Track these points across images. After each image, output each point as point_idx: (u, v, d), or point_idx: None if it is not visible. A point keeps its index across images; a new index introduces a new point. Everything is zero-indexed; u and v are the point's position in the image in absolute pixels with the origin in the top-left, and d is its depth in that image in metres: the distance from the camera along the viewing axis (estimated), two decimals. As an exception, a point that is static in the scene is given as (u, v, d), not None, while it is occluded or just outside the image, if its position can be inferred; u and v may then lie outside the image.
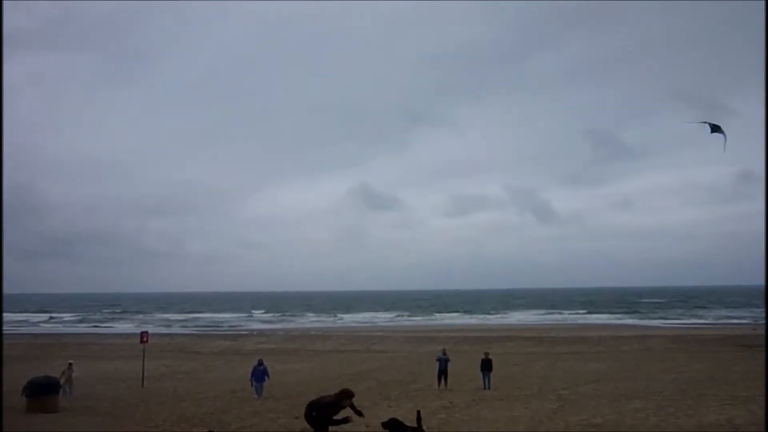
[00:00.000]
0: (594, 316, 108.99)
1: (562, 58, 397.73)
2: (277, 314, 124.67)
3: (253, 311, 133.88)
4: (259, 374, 24.72)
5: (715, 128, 18.32)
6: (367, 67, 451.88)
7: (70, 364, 23.09)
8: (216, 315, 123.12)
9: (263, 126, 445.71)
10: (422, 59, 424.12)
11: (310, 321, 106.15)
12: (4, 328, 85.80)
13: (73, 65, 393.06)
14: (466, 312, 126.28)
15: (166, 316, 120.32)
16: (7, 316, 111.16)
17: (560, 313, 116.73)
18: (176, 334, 71.84)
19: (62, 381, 22.50)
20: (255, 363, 25.76)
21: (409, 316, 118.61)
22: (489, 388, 26.43)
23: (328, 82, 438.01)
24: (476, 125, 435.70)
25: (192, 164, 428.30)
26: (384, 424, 10.74)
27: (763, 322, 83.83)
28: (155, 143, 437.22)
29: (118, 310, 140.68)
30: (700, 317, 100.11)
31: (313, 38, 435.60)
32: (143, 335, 30.50)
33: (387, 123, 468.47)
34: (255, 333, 73.81)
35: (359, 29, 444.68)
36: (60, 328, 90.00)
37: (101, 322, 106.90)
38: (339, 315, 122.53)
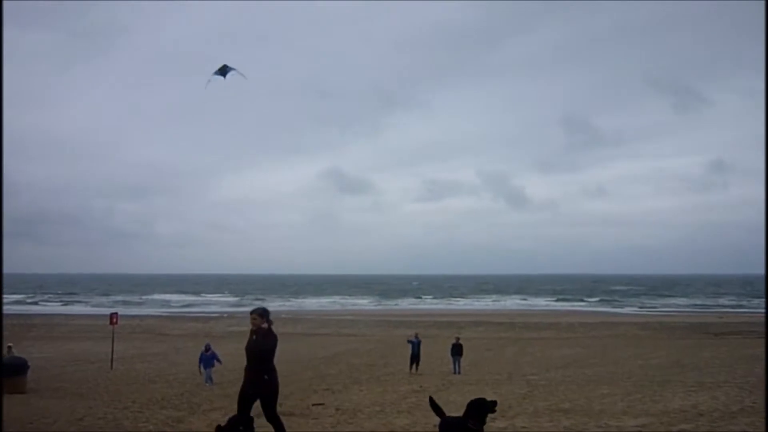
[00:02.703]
0: (565, 302, 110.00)
1: (537, 43, 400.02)
2: (247, 297, 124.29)
3: (213, 294, 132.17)
4: (207, 360, 23.64)
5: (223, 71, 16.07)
6: (340, 48, 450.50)
7: (9, 347, 22.67)
8: (184, 297, 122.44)
9: (234, 106, 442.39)
10: (395, 41, 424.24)
11: (281, 304, 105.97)
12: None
13: (38, 42, 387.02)
14: (437, 297, 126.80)
15: (115, 298, 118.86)
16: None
17: (531, 300, 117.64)
18: (146, 316, 71.44)
19: None
20: (202, 348, 24.28)
21: (380, 300, 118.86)
22: (459, 373, 26.56)
23: (300, 63, 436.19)
24: (450, 109, 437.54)
25: (161, 145, 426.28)
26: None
27: (729, 311, 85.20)
28: (124, 123, 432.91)
29: (80, 291, 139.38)
30: (669, 305, 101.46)
31: (286, 17, 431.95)
32: (113, 316, 30.17)
33: (359, 106, 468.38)
34: (226, 315, 73.61)
35: (332, 10, 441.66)
36: (26, 309, 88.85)
37: (67, 303, 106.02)
38: (310, 298, 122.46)
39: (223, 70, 15.83)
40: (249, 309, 10.89)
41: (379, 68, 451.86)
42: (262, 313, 10.07)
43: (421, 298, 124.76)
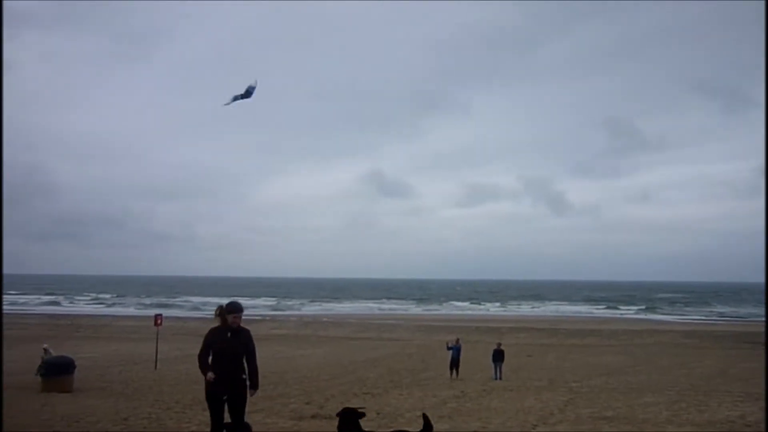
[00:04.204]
0: (607, 309, 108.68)
1: (579, 45, 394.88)
2: (286, 300, 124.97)
3: (252, 298, 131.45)
4: None
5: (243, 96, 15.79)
6: (378, 51, 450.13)
7: (46, 348, 23.02)
8: (224, 300, 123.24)
9: (274, 110, 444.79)
10: (435, 43, 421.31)
11: (322, 308, 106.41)
12: (17, 308, 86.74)
13: (83, 44, 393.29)
14: (478, 302, 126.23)
15: (157, 299, 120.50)
16: (19, 297, 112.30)
17: (573, 306, 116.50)
18: (188, 318, 72.21)
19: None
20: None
21: (421, 304, 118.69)
22: (500, 379, 26.44)
23: (339, 66, 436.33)
24: (490, 112, 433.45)
25: (202, 147, 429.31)
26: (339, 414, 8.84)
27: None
28: (165, 125, 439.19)
29: (123, 293, 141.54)
30: (714, 313, 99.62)
31: (324, 19, 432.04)
32: (157, 318, 30.68)
33: (398, 108, 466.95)
34: (268, 318, 74.13)
35: (370, 11, 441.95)
36: (72, 310, 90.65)
37: (112, 304, 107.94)
38: (350, 302, 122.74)
39: (248, 93, 15.72)
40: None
41: (418, 70, 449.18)
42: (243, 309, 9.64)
43: (462, 303, 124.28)
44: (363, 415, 8.46)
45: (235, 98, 15.45)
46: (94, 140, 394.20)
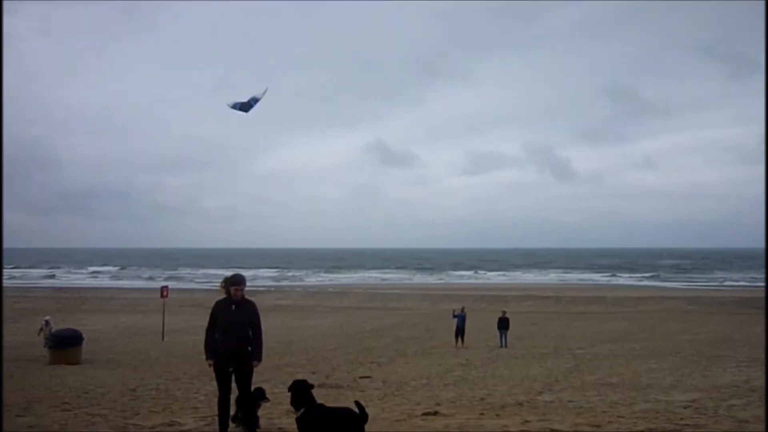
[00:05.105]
0: (611, 276, 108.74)
1: (583, 11, 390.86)
2: (293, 271, 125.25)
3: (257, 269, 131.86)
4: None
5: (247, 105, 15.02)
6: (381, 19, 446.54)
7: (47, 320, 23.14)
8: (229, 272, 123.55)
9: (276, 80, 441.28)
10: (438, 11, 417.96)
11: (326, 278, 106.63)
12: (24, 281, 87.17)
13: (84, 17, 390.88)
14: (483, 270, 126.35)
15: (163, 272, 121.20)
16: (26, 271, 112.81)
17: (578, 273, 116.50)
18: (195, 290, 72.43)
19: (42, 337, 22.27)
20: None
21: (426, 274, 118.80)
22: (506, 347, 26.56)
23: (341, 35, 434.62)
24: (494, 80, 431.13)
25: (206, 119, 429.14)
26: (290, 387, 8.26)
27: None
28: (168, 98, 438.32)
29: (129, 265, 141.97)
30: (719, 279, 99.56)
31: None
32: (163, 290, 30.85)
33: (402, 77, 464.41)
34: (273, 289, 74.37)
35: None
36: (79, 282, 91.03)
37: (118, 276, 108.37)
38: (355, 272, 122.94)
39: (247, 106, 15.27)
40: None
41: (422, 39, 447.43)
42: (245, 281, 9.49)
43: (466, 271, 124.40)
44: (312, 386, 8.33)
45: (235, 106, 15.00)
46: (98, 113, 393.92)
